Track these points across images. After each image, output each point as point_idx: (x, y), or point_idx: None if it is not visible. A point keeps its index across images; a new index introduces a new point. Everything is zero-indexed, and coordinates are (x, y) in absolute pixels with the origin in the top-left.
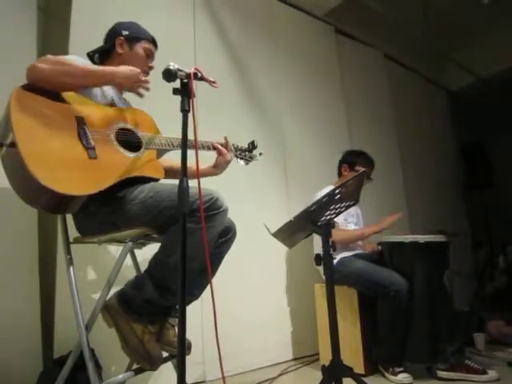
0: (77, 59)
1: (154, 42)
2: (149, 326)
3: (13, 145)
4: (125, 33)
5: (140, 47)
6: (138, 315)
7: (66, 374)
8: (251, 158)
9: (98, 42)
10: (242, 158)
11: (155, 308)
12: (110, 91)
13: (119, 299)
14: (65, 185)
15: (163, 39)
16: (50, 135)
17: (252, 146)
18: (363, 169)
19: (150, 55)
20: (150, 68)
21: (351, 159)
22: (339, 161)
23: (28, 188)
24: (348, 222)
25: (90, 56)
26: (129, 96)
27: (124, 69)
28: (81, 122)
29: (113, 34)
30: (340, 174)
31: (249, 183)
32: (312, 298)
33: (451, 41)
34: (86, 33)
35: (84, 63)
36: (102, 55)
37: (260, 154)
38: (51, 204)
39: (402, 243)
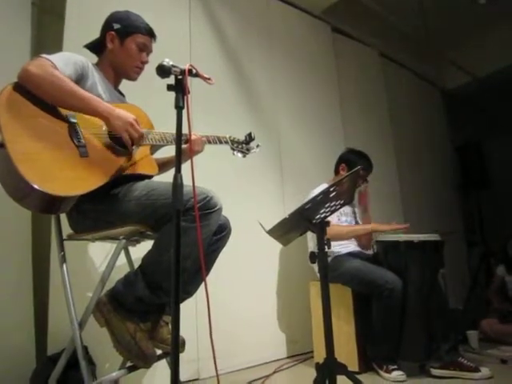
0: (71, 56)
1: (150, 32)
2: (141, 324)
3: (1, 145)
4: (116, 26)
5: (132, 42)
6: (129, 313)
7: (60, 372)
8: (248, 150)
9: (92, 38)
10: (239, 151)
11: (147, 306)
12: (98, 87)
13: (111, 297)
14: (55, 185)
15: (158, 36)
16: (40, 135)
17: (249, 137)
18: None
19: (143, 49)
20: (144, 63)
21: (352, 160)
22: (338, 157)
23: (18, 189)
24: (341, 221)
25: (89, 48)
26: (125, 91)
27: (123, 115)
28: (72, 120)
29: (105, 27)
30: (337, 172)
31: (244, 181)
32: (306, 295)
33: (447, 40)
34: (80, 29)
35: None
36: (97, 47)
37: (257, 146)
38: (42, 205)
39: (396, 242)
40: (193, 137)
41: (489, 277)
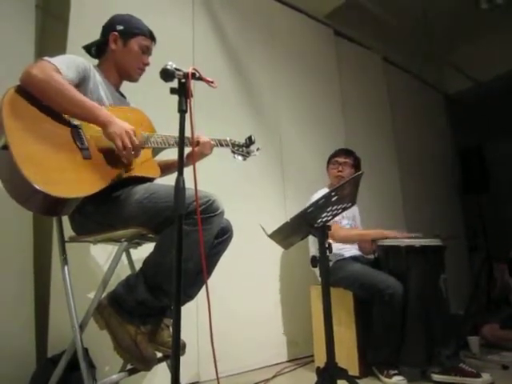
0: (73, 59)
1: (151, 36)
2: (141, 327)
3: (5, 147)
4: (119, 28)
5: (135, 43)
6: (130, 316)
7: (60, 374)
8: (248, 153)
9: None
10: (239, 154)
11: (148, 309)
12: (100, 89)
13: (111, 300)
14: (58, 187)
15: (161, 38)
16: (44, 137)
17: (249, 141)
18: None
19: (145, 51)
20: (146, 65)
21: (330, 156)
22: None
23: (21, 191)
24: (343, 224)
25: (87, 49)
26: (127, 94)
27: (121, 124)
28: (75, 122)
29: (108, 28)
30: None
31: (246, 184)
32: (308, 299)
33: (450, 45)
34: (84, 32)
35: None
36: (98, 49)
37: (257, 149)
38: (45, 206)
39: (397, 247)
40: (202, 139)
41: (490, 281)
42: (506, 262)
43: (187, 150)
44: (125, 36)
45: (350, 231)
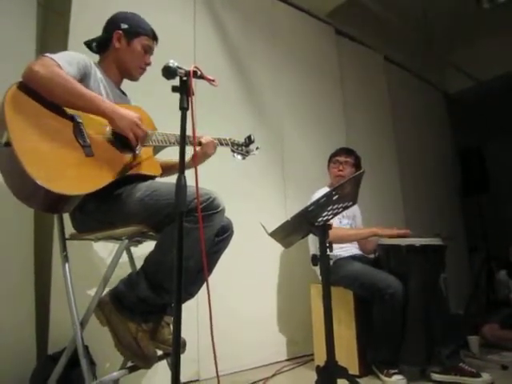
0: (74, 56)
1: (154, 36)
2: (142, 324)
3: (8, 144)
4: (124, 26)
5: (138, 43)
6: (131, 313)
7: (60, 371)
8: (248, 152)
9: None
10: (239, 153)
11: (149, 306)
12: (101, 86)
13: (112, 297)
14: (61, 184)
15: (163, 36)
16: (46, 134)
17: (248, 140)
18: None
19: (148, 51)
20: (147, 64)
21: (331, 155)
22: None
23: (23, 187)
24: (343, 223)
25: (88, 45)
26: (127, 92)
27: (127, 116)
28: (77, 119)
29: (111, 26)
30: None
31: (246, 182)
32: (308, 297)
33: (450, 44)
34: (85, 28)
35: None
36: (100, 45)
37: (257, 148)
38: (47, 203)
39: (398, 246)
40: (204, 140)
41: (490, 281)
42: (506, 267)
43: (189, 149)
44: (129, 35)
45: (344, 231)
